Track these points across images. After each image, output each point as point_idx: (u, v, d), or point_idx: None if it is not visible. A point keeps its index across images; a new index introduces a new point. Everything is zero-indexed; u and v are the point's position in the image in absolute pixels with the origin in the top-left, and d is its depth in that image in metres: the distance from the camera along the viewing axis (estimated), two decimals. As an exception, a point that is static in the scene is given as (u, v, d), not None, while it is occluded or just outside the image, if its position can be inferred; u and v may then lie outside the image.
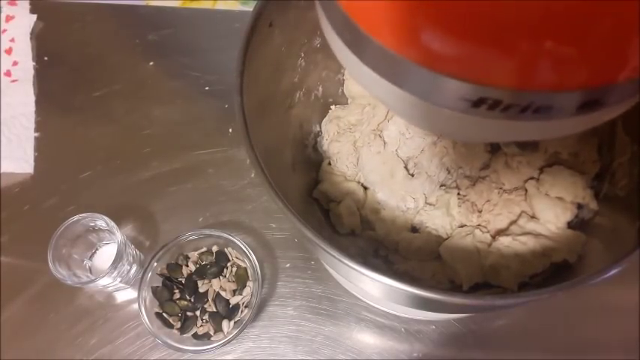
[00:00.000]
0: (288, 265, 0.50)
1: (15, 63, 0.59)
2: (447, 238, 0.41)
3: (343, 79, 0.48)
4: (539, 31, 0.15)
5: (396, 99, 0.20)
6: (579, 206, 0.40)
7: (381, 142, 0.44)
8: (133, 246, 0.49)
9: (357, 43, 0.19)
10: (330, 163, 0.46)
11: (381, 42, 0.18)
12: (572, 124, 0.19)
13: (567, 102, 0.17)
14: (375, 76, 0.19)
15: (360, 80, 0.21)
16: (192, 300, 0.47)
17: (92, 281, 0.45)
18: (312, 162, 0.46)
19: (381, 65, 0.19)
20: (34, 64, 0.59)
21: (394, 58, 0.18)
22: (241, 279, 0.47)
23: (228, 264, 0.48)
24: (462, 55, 0.16)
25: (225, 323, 0.45)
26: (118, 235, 0.45)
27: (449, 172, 0.43)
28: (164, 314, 0.46)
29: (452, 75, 0.17)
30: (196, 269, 0.48)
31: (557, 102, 0.17)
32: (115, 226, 0.46)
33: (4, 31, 0.60)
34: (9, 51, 0.59)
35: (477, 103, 0.17)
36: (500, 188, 0.42)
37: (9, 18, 0.60)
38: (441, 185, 0.43)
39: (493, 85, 0.17)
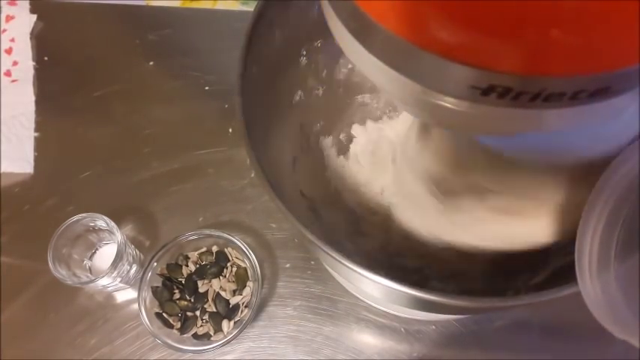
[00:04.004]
0: (288, 265, 0.50)
1: (15, 63, 0.59)
2: None
3: (344, 79, 0.48)
4: (550, 15, 0.15)
5: (403, 89, 0.19)
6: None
7: None
8: (132, 246, 0.49)
9: (364, 31, 0.19)
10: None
11: (389, 29, 0.17)
12: (584, 113, 0.19)
13: (578, 89, 0.17)
14: (382, 66, 0.19)
15: (366, 71, 0.21)
16: (192, 300, 0.47)
17: (92, 281, 0.45)
18: (313, 161, 0.46)
19: (389, 54, 0.19)
20: (34, 64, 0.59)
21: (403, 46, 0.17)
22: (241, 279, 0.47)
23: (228, 264, 0.48)
24: (472, 41, 0.16)
25: (225, 323, 0.45)
26: (118, 235, 0.45)
27: None
28: (164, 314, 0.46)
29: (462, 61, 0.16)
30: (196, 269, 0.48)
31: (568, 89, 0.17)
32: (115, 226, 0.46)
33: (4, 31, 0.60)
34: (9, 51, 0.59)
35: (487, 91, 0.17)
36: None
37: (9, 18, 0.60)
38: None
39: (503, 72, 0.16)
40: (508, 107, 0.18)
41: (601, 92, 0.17)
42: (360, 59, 0.20)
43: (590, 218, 0.24)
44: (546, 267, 0.38)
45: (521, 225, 0.41)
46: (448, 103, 0.19)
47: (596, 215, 0.23)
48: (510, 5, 0.15)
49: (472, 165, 0.43)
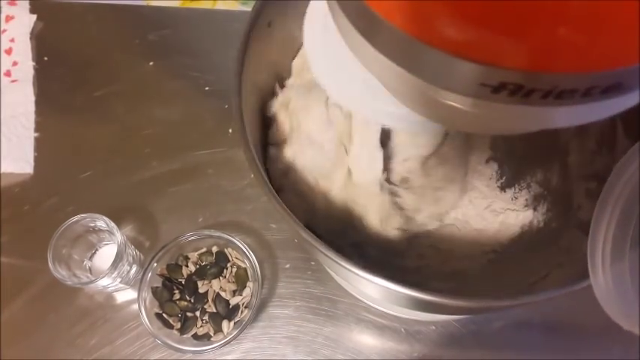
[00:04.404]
0: (288, 265, 0.50)
1: (15, 63, 0.59)
2: None
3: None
4: (561, 12, 0.15)
5: (412, 88, 0.19)
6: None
7: None
8: (132, 246, 0.49)
9: (373, 31, 0.19)
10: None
11: (400, 28, 0.17)
12: (596, 109, 0.18)
13: (591, 85, 0.17)
14: (391, 65, 0.19)
15: (374, 70, 0.21)
16: (192, 300, 0.47)
17: (92, 282, 0.45)
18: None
19: (399, 52, 0.18)
20: (33, 64, 0.59)
21: (413, 44, 0.17)
22: (241, 279, 0.47)
23: (228, 264, 0.48)
24: (483, 38, 0.16)
25: (225, 324, 0.45)
26: (118, 236, 0.45)
27: None
28: (164, 315, 0.46)
29: (473, 59, 0.16)
30: (196, 270, 0.48)
31: (580, 85, 0.17)
32: (115, 226, 0.46)
33: (4, 31, 0.60)
34: (9, 51, 0.59)
35: (498, 89, 0.17)
36: None
37: (9, 18, 0.60)
38: None
39: (514, 69, 0.16)
40: (519, 105, 0.18)
41: (613, 88, 0.17)
42: (368, 58, 0.20)
43: (605, 207, 0.23)
44: (545, 266, 0.38)
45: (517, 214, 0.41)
46: (458, 101, 0.19)
47: (611, 205, 0.23)
48: (520, 3, 0.15)
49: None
